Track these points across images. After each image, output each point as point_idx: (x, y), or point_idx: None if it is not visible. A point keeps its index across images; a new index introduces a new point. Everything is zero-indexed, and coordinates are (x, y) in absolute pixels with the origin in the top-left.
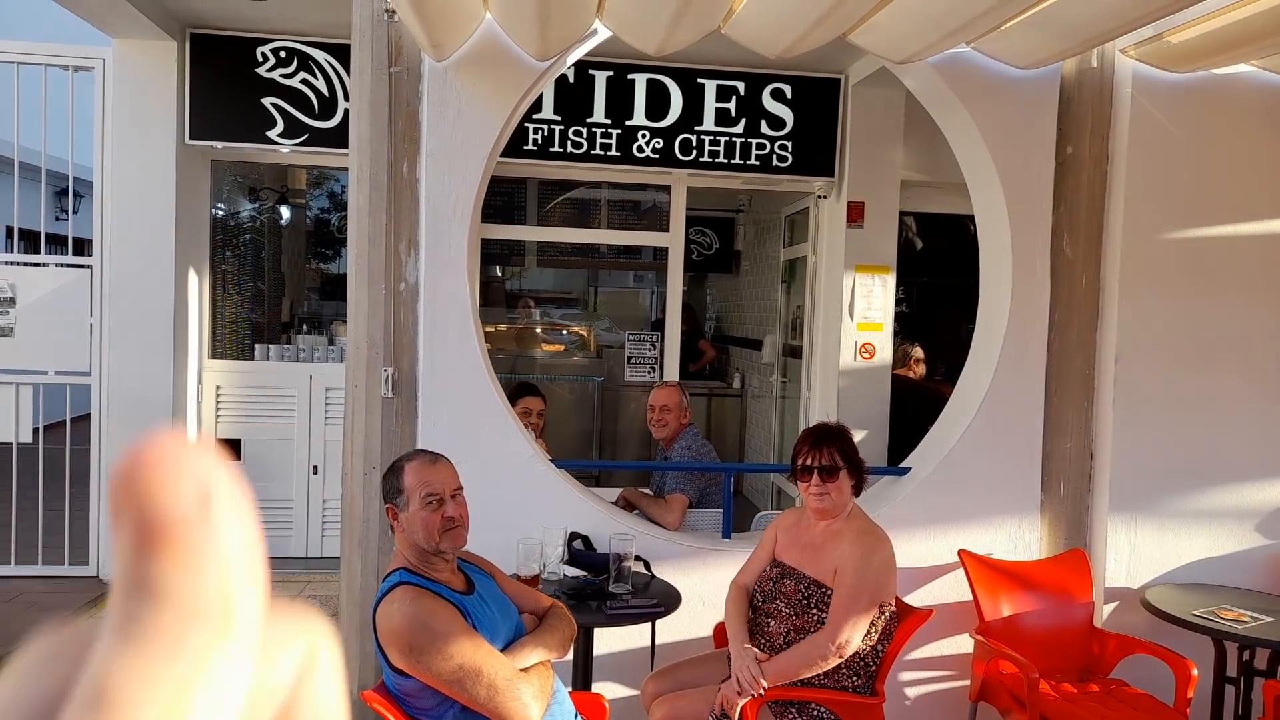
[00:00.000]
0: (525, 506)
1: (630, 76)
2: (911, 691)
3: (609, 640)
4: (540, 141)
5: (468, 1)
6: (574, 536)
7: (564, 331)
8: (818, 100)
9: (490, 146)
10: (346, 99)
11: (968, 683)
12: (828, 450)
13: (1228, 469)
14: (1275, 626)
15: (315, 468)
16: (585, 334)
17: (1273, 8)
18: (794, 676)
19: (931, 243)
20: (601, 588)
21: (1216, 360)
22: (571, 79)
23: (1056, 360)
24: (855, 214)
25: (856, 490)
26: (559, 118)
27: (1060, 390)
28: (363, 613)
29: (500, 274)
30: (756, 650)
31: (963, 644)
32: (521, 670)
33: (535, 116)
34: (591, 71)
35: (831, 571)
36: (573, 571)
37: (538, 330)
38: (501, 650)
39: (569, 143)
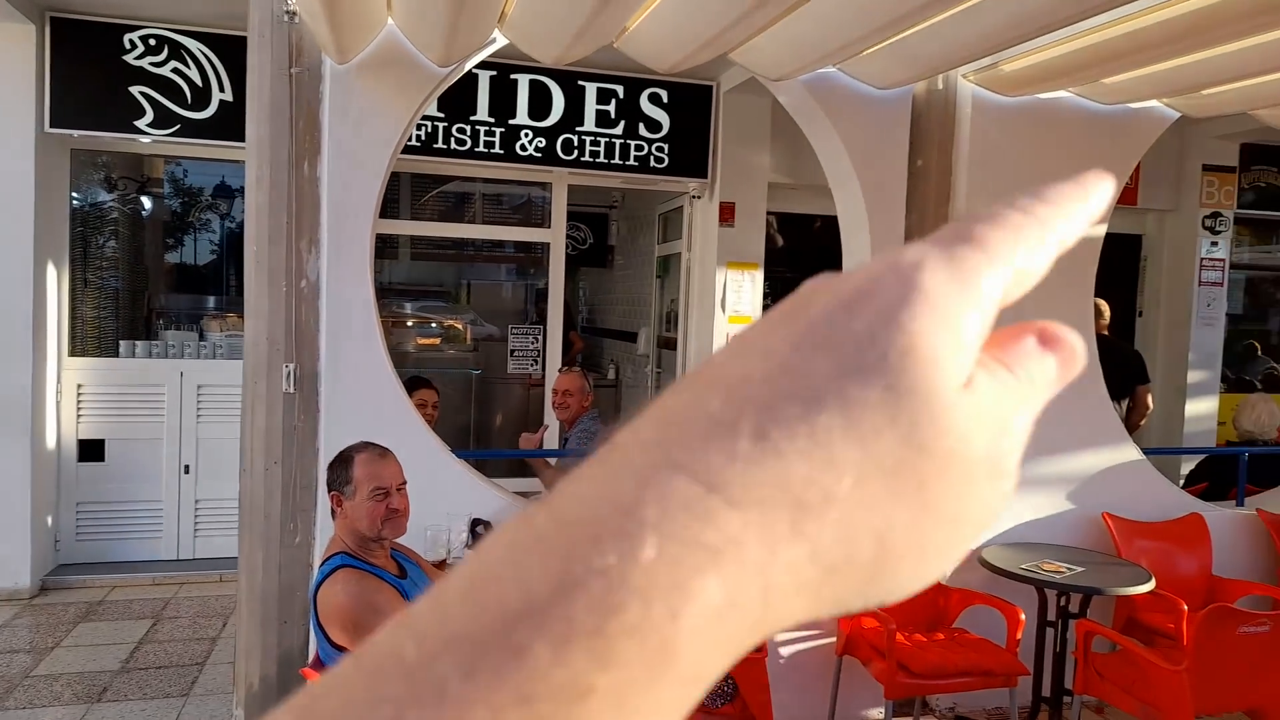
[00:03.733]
0: (429, 496)
1: (513, 77)
2: (785, 650)
3: None
4: (424, 138)
5: (372, 8)
6: (477, 522)
7: (435, 324)
8: (692, 105)
9: (392, 148)
10: (222, 90)
11: (834, 639)
12: None
13: (1048, 442)
14: (1086, 575)
15: (187, 467)
16: (460, 327)
17: (1086, 46)
18: None
19: (794, 241)
20: None
21: None
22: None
23: None
24: (726, 214)
25: None
26: (443, 115)
27: None
28: (266, 608)
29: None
30: None
31: None
32: None
33: None
34: (475, 71)
35: None
36: None
37: (408, 324)
38: None
39: (453, 140)
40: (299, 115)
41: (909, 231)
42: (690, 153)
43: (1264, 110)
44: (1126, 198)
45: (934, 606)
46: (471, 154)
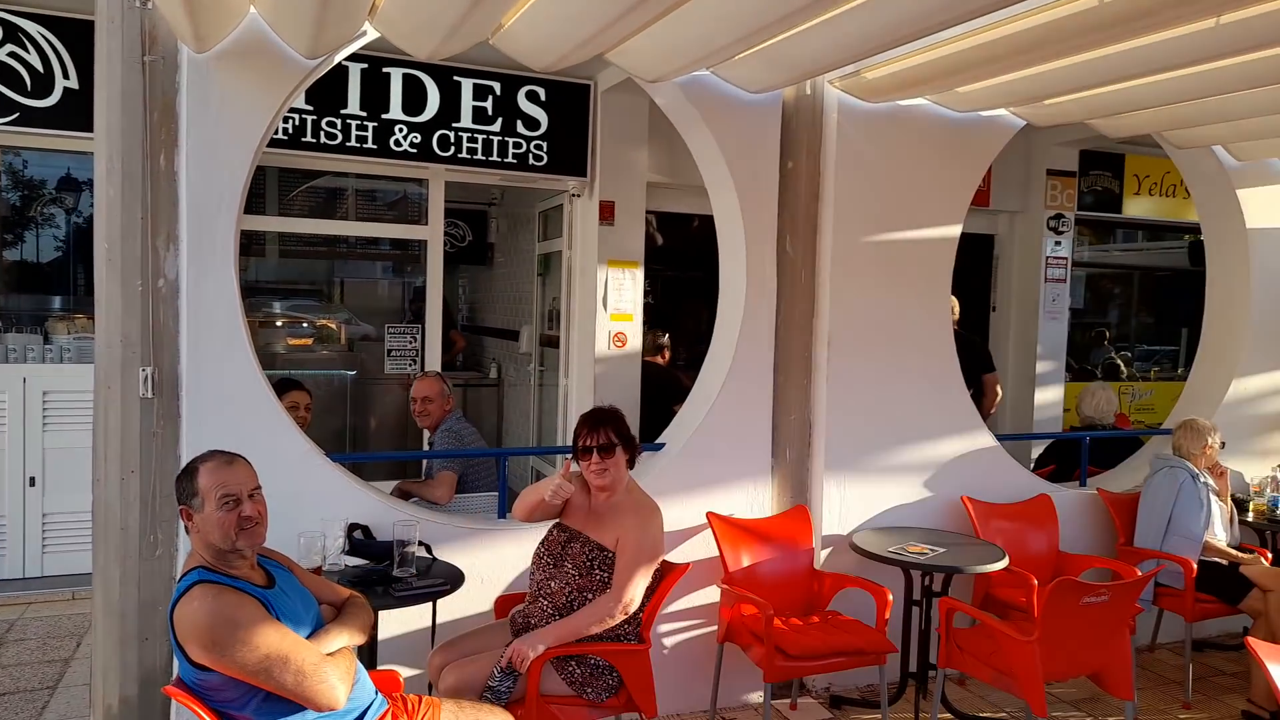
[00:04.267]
0: (302, 501)
1: (386, 70)
2: (669, 640)
3: (390, 625)
4: (291, 131)
5: None
6: (354, 527)
7: (307, 324)
8: (570, 104)
9: (257, 141)
10: (67, 77)
11: (715, 627)
12: (604, 431)
13: (913, 432)
14: (947, 555)
15: (32, 479)
16: (334, 327)
17: (941, 57)
18: (585, 633)
19: (674, 239)
20: (386, 573)
21: (903, 343)
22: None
23: (783, 346)
24: (606, 212)
25: (630, 464)
26: (311, 108)
27: (786, 372)
28: (125, 625)
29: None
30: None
31: (711, 594)
32: (327, 655)
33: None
34: (345, 63)
35: (614, 539)
36: (354, 561)
37: (278, 324)
38: (306, 639)
39: (322, 133)
40: (153, 106)
41: (781, 230)
42: (569, 151)
43: (1099, 120)
44: (980, 199)
45: (809, 591)
46: (343, 148)
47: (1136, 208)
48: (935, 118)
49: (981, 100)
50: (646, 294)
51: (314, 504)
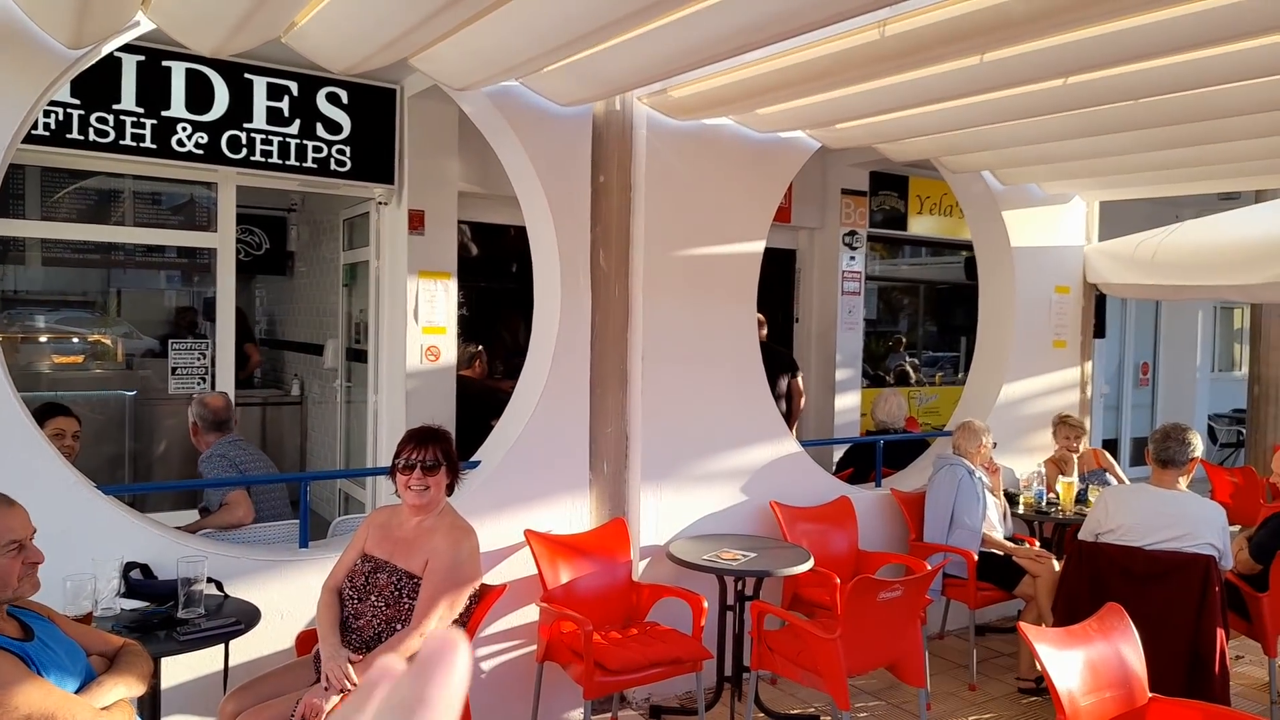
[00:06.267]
0: (69, 540)
1: (166, 64)
2: (487, 664)
3: (177, 671)
4: (54, 127)
5: None
6: (131, 566)
7: (78, 340)
8: (375, 108)
9: (10, 138)
10: None
11: (535, 647)
12: (432, 449)
13: (725, 441)
14: (758, 560)
15: None
16: (109, 343)
17: (742, 79)
18: None
19: (490, 250)
20: (170, 615)
21: (714, 354)
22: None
23: (599, 358)
24: (416, 221)
25: (449, 489)
26: (78, 102)
27: (602, 384)
28: None
29: None
30: (349, 651)
31: (530, 614)
32: (102, 710)
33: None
34: (118, 55)
35: (423, 563)
36: (132, 604)
37: (41, 340)
38: (75, 694)
39: (91, 130)
40: None
41: (595, 243)
42: (374, 157)
43: (885, 144)
44: (781, 216)
45: (628, 603)
46: (116, 147)
47: (920, 226)
48: (739, 137)
49: (780, 122)
50: (461, 306)
51: (83, 543)
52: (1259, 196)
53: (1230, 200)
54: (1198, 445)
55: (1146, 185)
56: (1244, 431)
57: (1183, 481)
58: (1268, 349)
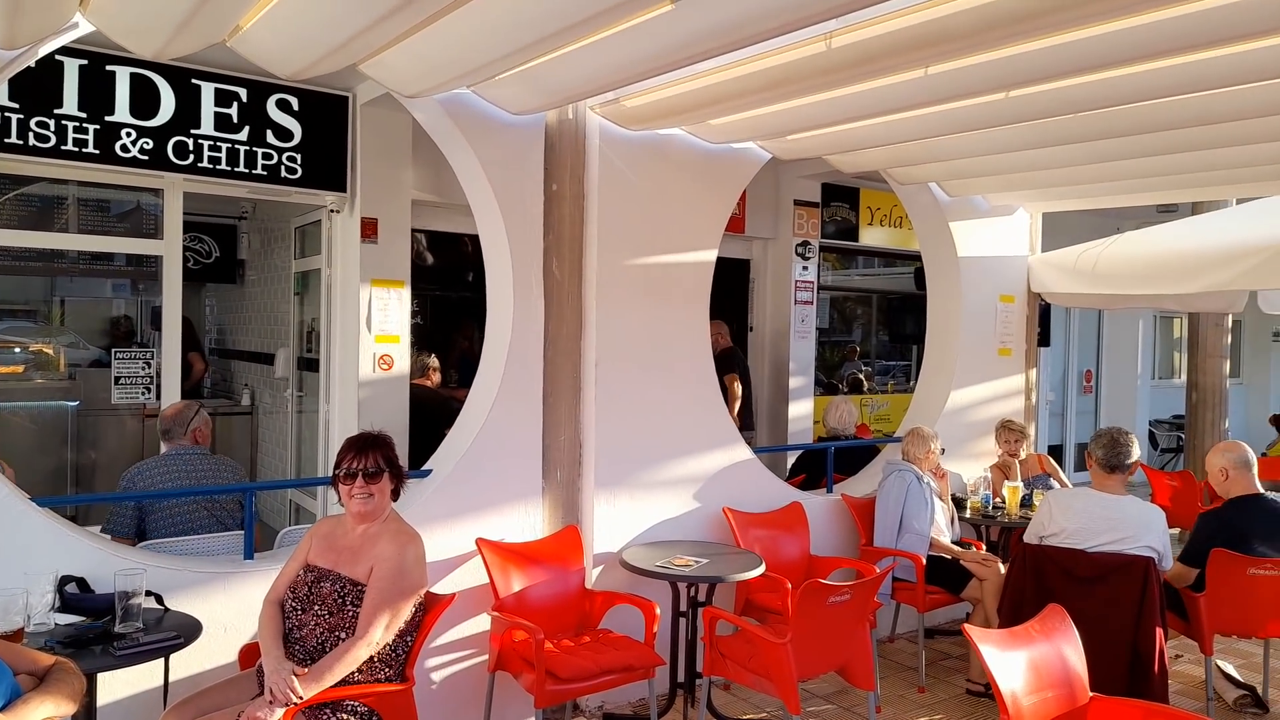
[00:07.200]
0: (1, 554)
1: (110, 68)
2: (437, 675)
3: (115, 687)
4: None
5: None
6: (66, 580)
7: (19, 349)
8: (326, 115)
9: None
10: None
11: (487, 657)
12: (372, 455)
13: (678, 448)
14: (710, 566)
15: None
16: (51, 352)
17: (693, 90)
18: (334, 678)
19: (444, 258)
20: (106, 630)
21: (667, 362)
22: (33, 63)
23: (551, 367)
24: (369, 229)
25: (395, 495)
26: (17, 105)
27: (555, 392)
28: None
29: None
30: (293, 665)
31: (482, 623)
32: None
33: None
34: (59, 58)
35: (368, 570)
36: (67, 619)
37: None
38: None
39: (31, 134)
40: None
41: (548, 251)
42: (326, 165)
43: (834, 156)
44: (735, 226)
45: (581, 611)
46: (57, 152)
47: (871, 237)
48: (691, 147)
49: (731, 132)
50: (415, 314)
51: (16, 556)
52: (1196, 208)
53: (1168, 212)
54: (1137, 449)
55: (1087, 197)
56: (1183, 437)
57: (1122, 484)
58: (1204, 357)
